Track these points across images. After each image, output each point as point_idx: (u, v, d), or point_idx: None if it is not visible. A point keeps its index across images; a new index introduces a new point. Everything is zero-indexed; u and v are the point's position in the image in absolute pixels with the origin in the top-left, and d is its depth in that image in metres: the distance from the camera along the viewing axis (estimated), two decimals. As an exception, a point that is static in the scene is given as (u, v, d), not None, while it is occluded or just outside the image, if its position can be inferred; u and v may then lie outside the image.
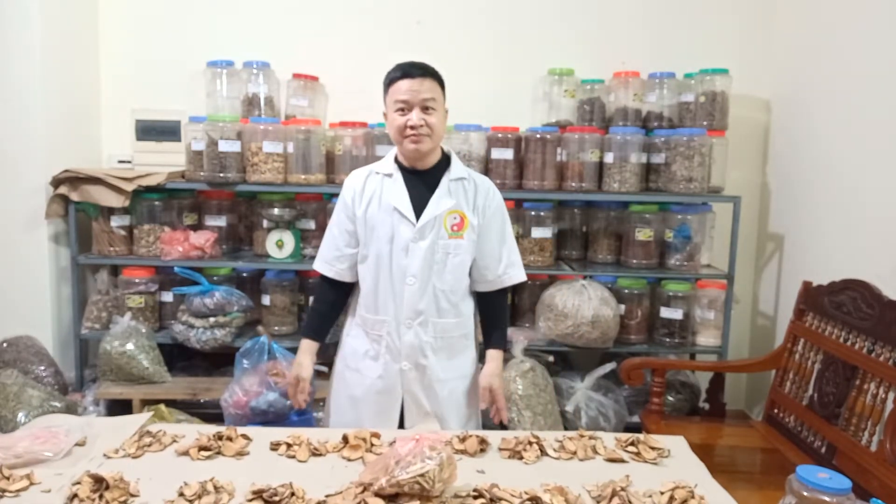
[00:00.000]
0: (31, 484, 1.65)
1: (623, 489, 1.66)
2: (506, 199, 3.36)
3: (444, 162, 2.27)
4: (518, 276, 2.32)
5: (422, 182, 2.21)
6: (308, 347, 2.31)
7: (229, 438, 1.89)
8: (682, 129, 3.41)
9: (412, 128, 2.11)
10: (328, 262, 2.30)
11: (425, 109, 2.11)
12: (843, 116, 3.09)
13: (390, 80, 2.16)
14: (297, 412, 2.67)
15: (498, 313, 2.36)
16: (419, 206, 2.18)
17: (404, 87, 2.11)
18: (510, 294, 3.56)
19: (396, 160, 2.26)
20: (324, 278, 2.33)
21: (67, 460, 1.79)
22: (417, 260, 2.16)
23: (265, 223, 3.48)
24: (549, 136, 3.42)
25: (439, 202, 2.18)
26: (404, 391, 2.25)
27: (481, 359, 2.35)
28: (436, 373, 2.24)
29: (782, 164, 3.67)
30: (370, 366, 2.26)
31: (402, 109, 2.12)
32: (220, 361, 3.54)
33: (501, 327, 2.36)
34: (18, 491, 1.61)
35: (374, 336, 2.25)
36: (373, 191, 2.22)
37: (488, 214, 2.25)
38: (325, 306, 2.36)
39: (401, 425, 2.26)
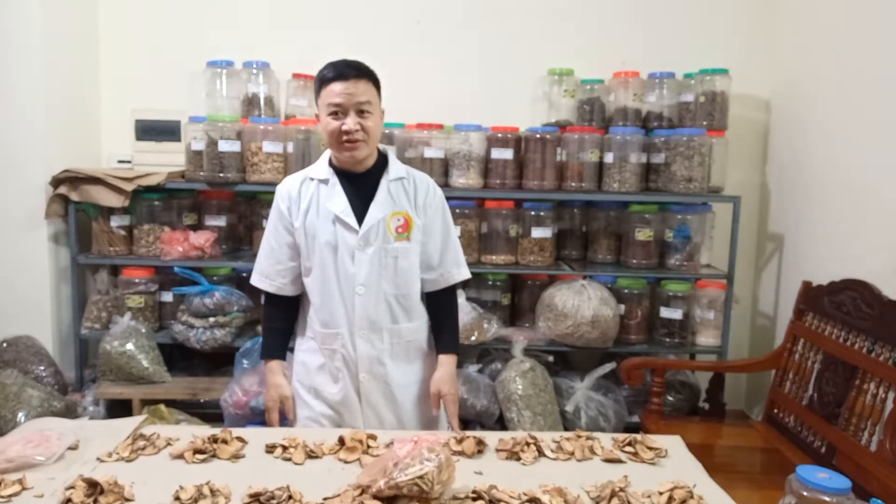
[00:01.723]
0: (24, 489, 1.63)
1: (622, 489, 1.65)
2: (505, 199, 3.42)
3: (382, 162, 2.18)
4: (462, 273, 2.24)
5: (360, 185, 2.12)
6: (276, 367, 2.22)
7: (224, 441, 1.88)
8: (682, 129, 3.40)
9: (347, 133, 2.02)
10: (268, 276, 2.20)
11: (360, 113, 2.02)
12: (843, 116, 3.09)
13: (322, 81, 2.05)
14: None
15: (446, 314, 2.26)
16: (360, 212, 2.09)
17: (337, 89, 2.01)
18: (510, 294, 3.56)
19: (331, 164, 2.16)
20: (267, 295, 2.23)
21: (60, 464, 1.77)
22: (365, 267, 2.09)
23: (265, 223, 3.48)
24: (548, 136, 3.42)
25: (381, 206, 2.10)
26: (364, 402, 2.18)
27: None
28: (395, 379, 2.18)
29: (782, 164, 3.67)
30: (326, 381, 2.19)
31: (336, 113, 2.03)
32: (220, 361, 3.54)
33: (451, 329, 2.26)
34: (10, 496, 1.59)
35: (327, 351, 2.17)
36: (309, 198, 2.12)
37: (430, 212, 2.17)
38: (277, 323, 2.26)
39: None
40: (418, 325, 2.22)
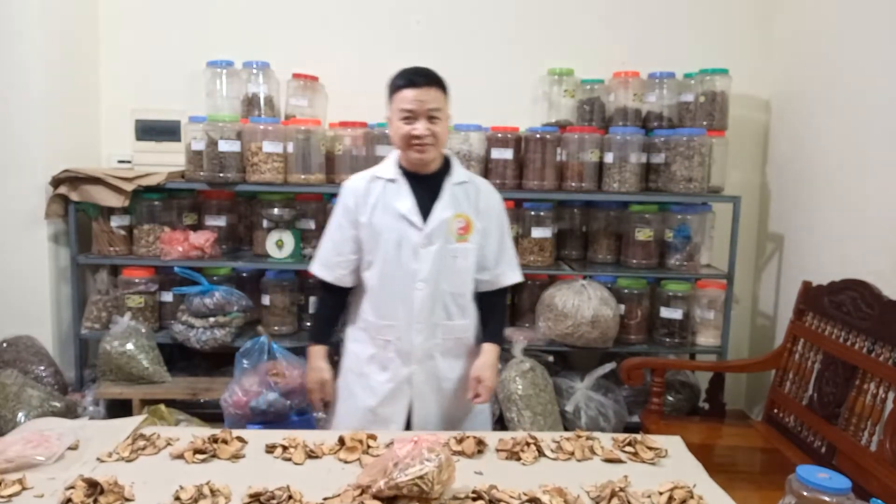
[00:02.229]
0: (24, 489, 1.64)
1: (622, 489, 1.65)
2: (506, 199, 3.37)
3: (446, 166, 2.28)
4: (514, 277, 2.34)
5: (425, 187, 2.21)
6: (320, 352, 2.33)
7: (224, 441, 1.89)
8: (682, 129, 3.40)
9: (417, 137, 2.12)
10: (329, 267, 2.30)
11: (430, 119, 2.12)
12: (843, 116, 3.09)
13: (395, 88, 2.16)
14: (297, 412, 2.67)
15: (496, 311, 2.36)
16: (425, 211, 2.19)
17: (410, 96, 2.11)
18: (510, 294, 3.56)
19: (398, 164, 2.26)
20: (323, 283, 2.33)
21: (60, 464, 1.78)
22: (426, 265, 2.17)
23: (265, 223, 3.49)
24: (548, 136, 3.42)
25: (445, 207, 2.20)
26: (413, 393, 2.25)
27: None
28: (444, 373, 2.26)
29: (782, 164, 3.67)
30: (377, 371, 2.27)
31: (408, 118, 2.12)
32: (220, 361, 3.54)
33: (498, 324, 2.38)
34: (11, 496, 1.60)
35: (380, 341, 2.25)
36: (377, 196, 2.22)
37: (489, 217, 2.27)
38: (328, 311, 2.38)
39: (408, 427, 2.26)
40: (469, 322, 2.31)
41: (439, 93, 2.15)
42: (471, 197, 2.25)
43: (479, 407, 2.32)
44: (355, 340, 2.34)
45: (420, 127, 2.10)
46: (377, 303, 2.24)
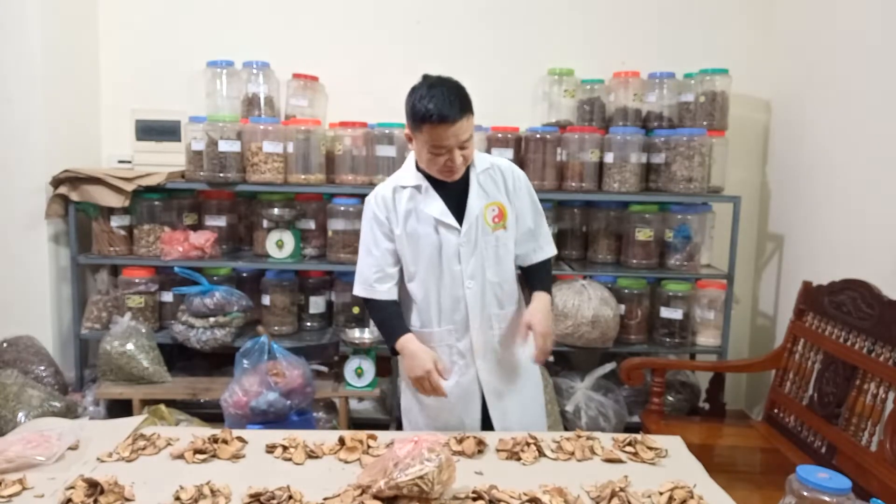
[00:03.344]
0: (24, 489, 1.64)
1: (622, 489, 1.65)
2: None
3: None
4: (550, 250, 2.29)
5: (451, 185, 2.12)
6: (411, 339, 2.11)
7: (224, 441, 1.89)
8: (682, 129, 3.41)
9: (450, 169, 2.04)
10: (370, 284, 2.18)
11: (462, 147, 2.02)
12: (843, 116, 3.09)
13: (423, 119, 1.96)
14: (298, 412, 2.67)
15: (542, 271, 2.28)
16: (456, 209, 2.13)
17: (443, 133, 1.96)
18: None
19: (418, 168, 2.15)
20: (370, 300, 2.20)
21: (60, 464, 1.78)
22: (470, 262, 2.14)
23: (265, 223, 3.49)
24: (549, 136, 3.42)
25: (476, 200, 2.14)
26: (484, 388, 2.21)
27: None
28: (508, 362, 2.23)
29: (782, 164, 3.67)
30: (441, 379, 2.16)
31: (441, 151, 2.01)
32: (220, 361, 3.55)
33: (546, 278, 2.28)
34: (11, 496, 1.60)
35: (441, 347, 2.19)
36: (406, 206, 2.14)
37: (519, 196, 2.21)
38: (391, 309, 2.20)
39: (485, 417, 2.22)
40: (521, 305, 2.28)
41: (469, 117, 2.00)
42: (497, 181, 2.18)
43: (539, 396, 2.32)
44: None
45: (456, 160, 2.01)
46: (430, 311, 2.18)
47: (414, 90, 2.01)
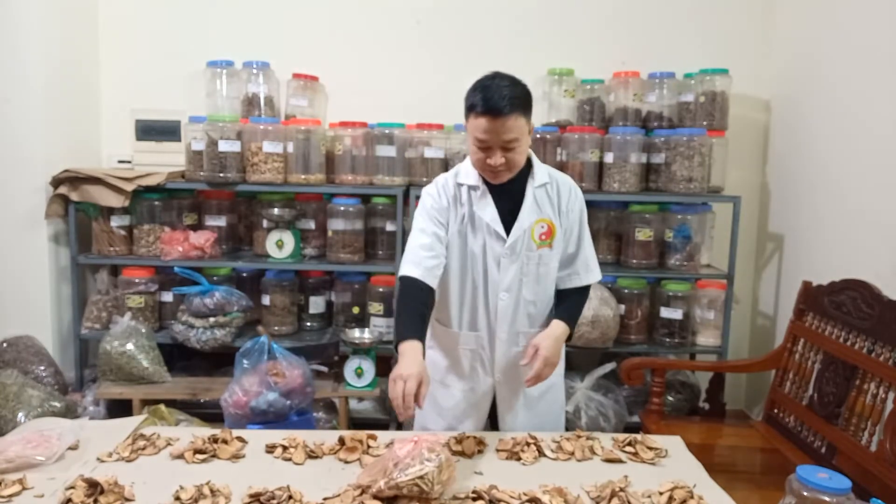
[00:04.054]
0: (24, 489, 1.64)
1: (622, 490, 1.65)
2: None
3: (527, 167, 2.11)
4: (588, 278, 2.19)
5: (507, 192, 2.08)
6: (416, 348, 1.88)
7: (224, 441, 1.89)
8: (682, 129, 3.41)
9: (491, 167, 1.98)
10: (417, 263, 2.02)
11: (506, 149, 1.95)
12: (843, 116, 3.09)
13: (471, 107, 1.94)
14: (298, 412, 2.67)
15: (570, 300, 2.20)
16: (507, 219, 2.08)
17: (484, 125, 1.91)
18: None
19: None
20: (405, 283, 2.02)
21: (60, 464, 1.77)
22: (509, 274, 2.09)
23: (265, 223, 3.49)
24: (548, 136, 3.42)
25: (527, 214, 2.09)
26: (499, 402, 2.18)
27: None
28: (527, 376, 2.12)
29: (782, 164, 3.67)
30: (456, 380, 2.19)
31: (482, 147, 1.96)
32: (220, 361, 3.54)
33: (573, 308, 2.19)
34: (11, 496, 1.60)
35: (463, 350, 2.16)
36: (464, 203, 2.10)
37: (570, 217, 2.15)
38: (418, 305, 2.00)
39: (492, 417, 2.21)
40: None
41: (519, 118, 1.92)
42: (552, 199, 2.13)
43: (557, 412, 2.27)
44: (432, 348, 2.22)
45: (495, 159, 1.95)
46: (459, 312, 2.15)
47: (477, 80, 1.98)
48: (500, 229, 2.07)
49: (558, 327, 2.10)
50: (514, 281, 2.10)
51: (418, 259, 2.02)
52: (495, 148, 1.94)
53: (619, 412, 3.30)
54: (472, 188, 2.10)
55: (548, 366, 2.02)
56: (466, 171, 2.13)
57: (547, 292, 2.16)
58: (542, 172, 2.14)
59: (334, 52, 3.78)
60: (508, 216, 2.08)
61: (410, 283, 2.01)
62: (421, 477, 1.52)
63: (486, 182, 2.09)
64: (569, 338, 2.15)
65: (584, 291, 2.22)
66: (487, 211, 2.08)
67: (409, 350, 1.87)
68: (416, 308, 2.00)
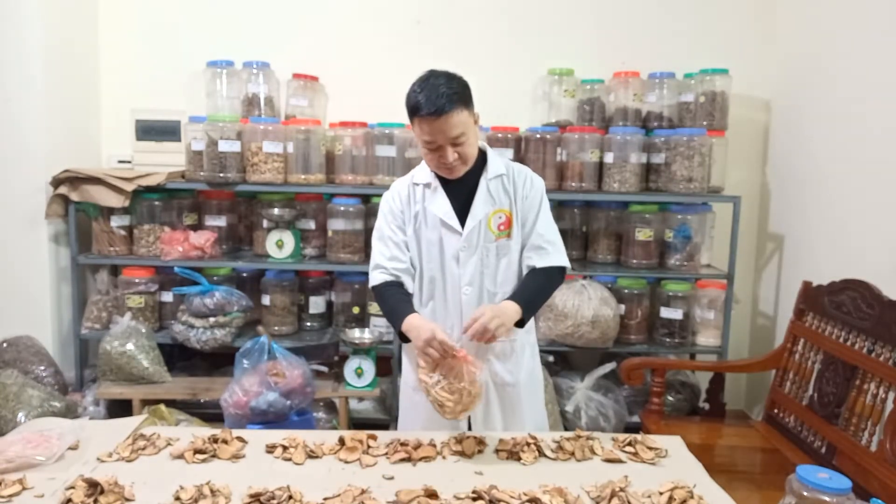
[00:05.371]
0: (24, 489, 1.64)
1: (622, 490, 1.65)
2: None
3: (481, 161, 2.13)
4: (539, 261, 2.12)
5: (462, 186, 2.10)
6: (416, 317, 2.00)
7: (224, 441, 1.88)
8: (682, 129, 3.41)
9: (444, 164, 2.01)
10: (382, 267, 2.11)
11: (455, 144, 1.97)
12: (843, 116, 3.08)
13: (412, 111, 1.96)
14: (298, 412, 2.67)
15: (523, 283, 2.14)
16: (462, 213, 2.10)
17: (428, 128, 1.94)
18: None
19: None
20: (382, 286, 2.11)
21: (60, 464, 1.77)
22: (469, 268, 2.10)
23: (265, 223, 3.49)
24: (549, 136, 3.42)
25: (481, 206, 2.10)
26: None
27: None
28: (503, 377, 2.17)
29: (782, 164, 3.67)
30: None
31: (431, 148, 1.99)
32: (220, 361, 3.55)
33: (525, 291, 2.11)
34: (11, 496, 1.60)
35: None
36: (418, 203, 2.13)
37: (526, 204, 2.14)
38: (399, 295, 2.10)
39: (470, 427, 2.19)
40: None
41: (461, 113, 1.94)
42: (509, 189, 2.13)
43: (539, 410, 2.27)
44: (408, 353, 2.23)
45: (448, 156, 1.98)
46: (425, 310, 2.16)
47: (413, 82, 2.01)
48: (455, 223, 2.09)
49: (508, 305, 2.03)
50: (475, 274, 2.11)
51: (379, 266, 2.13)
52: (445, 146, 1.97)
53: (619, 412, 3.30)
54: (425, 186, 2.13)
55: (483, 323, 1.91)
56: (421, 171, 2.17)
57: (511, 283, 2.15)
58: (496, 164, 2.15)
59: (334, 52, 3.78)
60: (463, 210, 2.10)
61: (385, 286, 2.12)
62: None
63: (440, 178, 2.11)
64: (522, 322, 2.07)
65: (540, 274, 2.13)
66: (440, 206, 2.11)
67: (413, 322, 1.99)
68: (399, 297, 2.10)
